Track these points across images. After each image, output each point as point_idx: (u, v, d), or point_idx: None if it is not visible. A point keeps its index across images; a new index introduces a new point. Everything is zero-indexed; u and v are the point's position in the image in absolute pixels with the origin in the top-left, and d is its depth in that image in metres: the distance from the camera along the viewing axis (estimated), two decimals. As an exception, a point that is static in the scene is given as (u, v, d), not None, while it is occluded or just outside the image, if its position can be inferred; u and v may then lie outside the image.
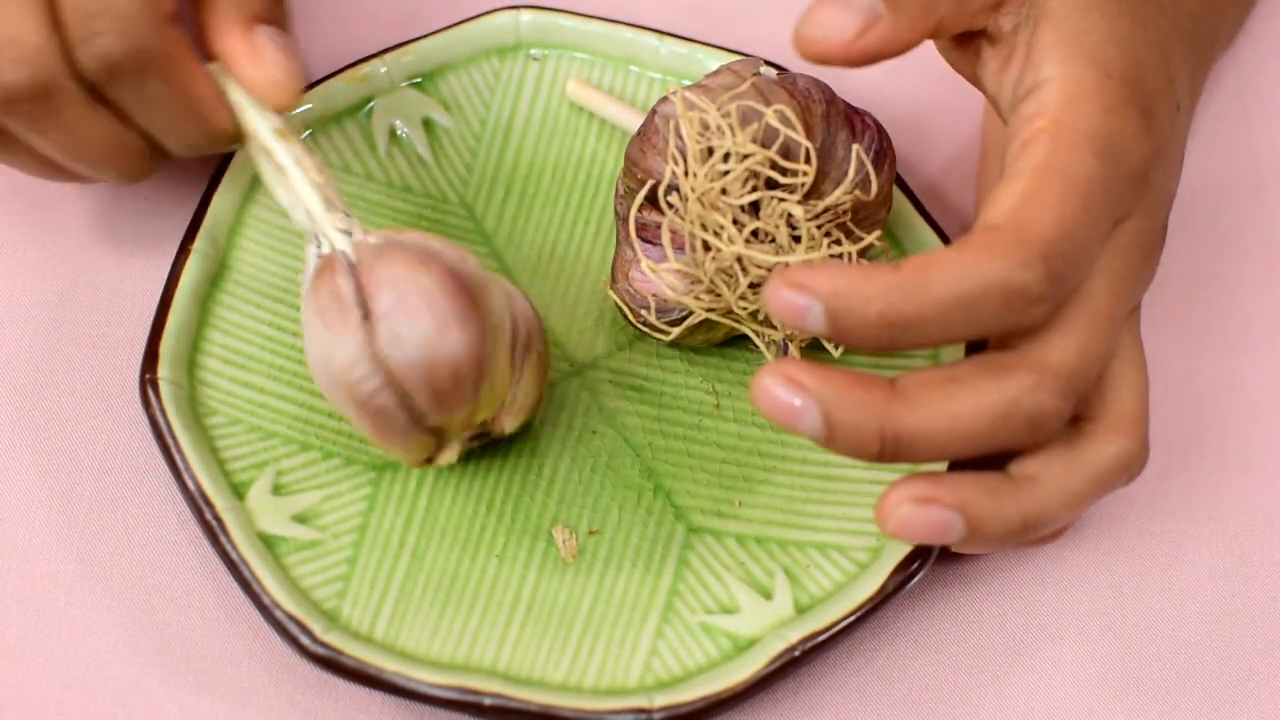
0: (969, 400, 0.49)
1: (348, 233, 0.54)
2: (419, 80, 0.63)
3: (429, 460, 0.55)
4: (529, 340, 0.55)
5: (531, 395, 0.55)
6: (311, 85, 0.62)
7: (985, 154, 0.62)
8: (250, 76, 0.56)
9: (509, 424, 0.55)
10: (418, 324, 0.52)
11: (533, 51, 0.64)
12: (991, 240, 0.48)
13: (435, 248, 0.53)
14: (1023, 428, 0.49)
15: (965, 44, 0.54)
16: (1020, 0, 0.52)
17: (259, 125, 0.56)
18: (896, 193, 0.61)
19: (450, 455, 0.56)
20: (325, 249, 0.54)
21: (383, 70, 0.62)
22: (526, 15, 0.64)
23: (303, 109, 0.61)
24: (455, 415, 0.53)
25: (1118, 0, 0.53)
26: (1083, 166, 0.49)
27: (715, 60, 0.63)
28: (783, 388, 0.48)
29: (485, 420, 0.55)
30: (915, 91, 0.67)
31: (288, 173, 0.56)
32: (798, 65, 0.66)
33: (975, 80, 0.54)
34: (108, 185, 0.61)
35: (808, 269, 0.47)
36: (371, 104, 0.63)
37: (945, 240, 0.60)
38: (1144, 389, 0.52)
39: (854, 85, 0.66)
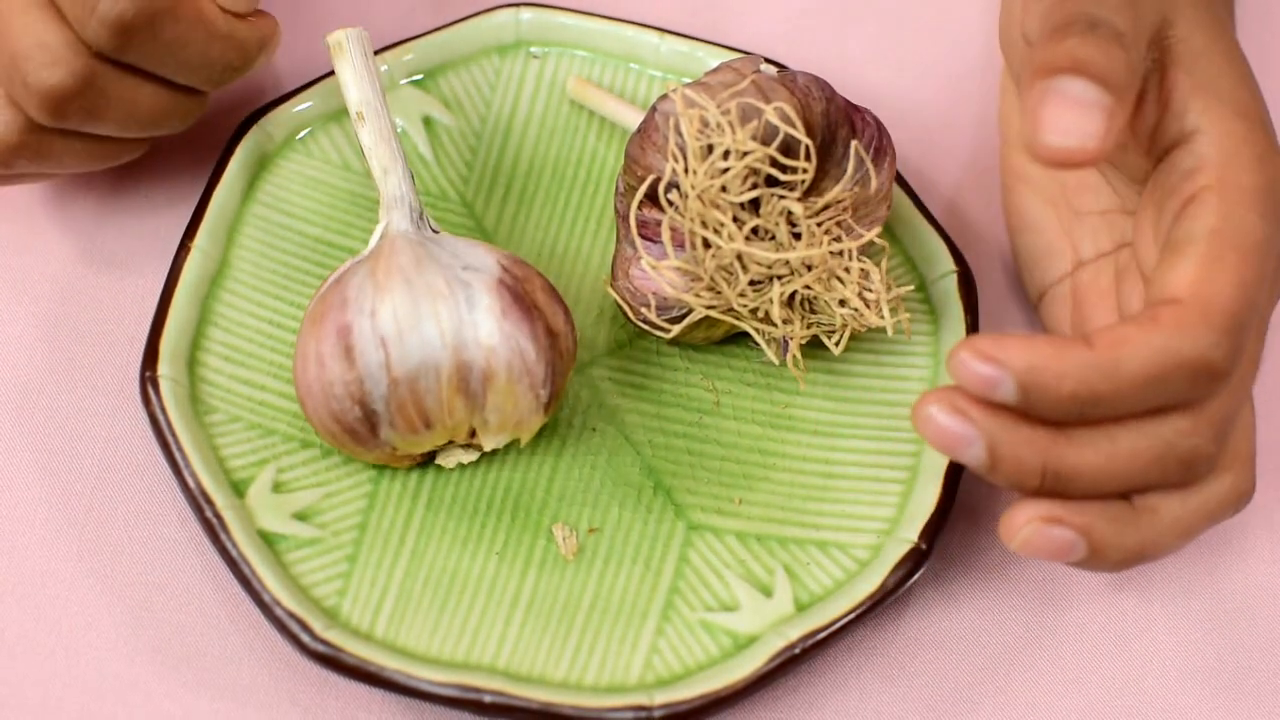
0: (1128, 441, 0.49)
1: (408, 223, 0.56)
2: (419, 78, 0.63)
3: (423, 459, 0.56)
4: (487, 373, 0.54)
5: (511, 417, 0.55)
6: (312, 84, 0.62)
7: (1007, 75, 0.62)
8: None
9: (488, 443, 0.56)
10: (405, 348, 0.53)
11: (533, 49, 0.64)
12: (1180, 317, 0.48)
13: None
14: (1175, 470, 0.50)
15: None
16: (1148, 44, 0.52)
17: (366, 93, 0.57)
18: (896, 190, 0.61)
19: (450, 460, 0.56)
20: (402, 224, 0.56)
21: (383, 68, 0.62)
22: (527, 13, 0.64)
23: (303, 107, 0.61)
24: (419, 436, 0.55)
25: (1228, 35, 0.53)
26: (1255, 229, 0.50)
27: (715, 58, 0.63)
28: (949, 416, 0.48)
29: (455, 439, 0.56)
30: (915, 90, 0.67)
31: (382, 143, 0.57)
32: (797, 63, 0.66)
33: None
34: (109, 177, 0.61)
35: (995, 340, 0.48)
36: (371, 103, 0.63)
37: (946, 240, 0.60)
38: (1253, 426, 0.53)
39: (854, 84, 0.66)
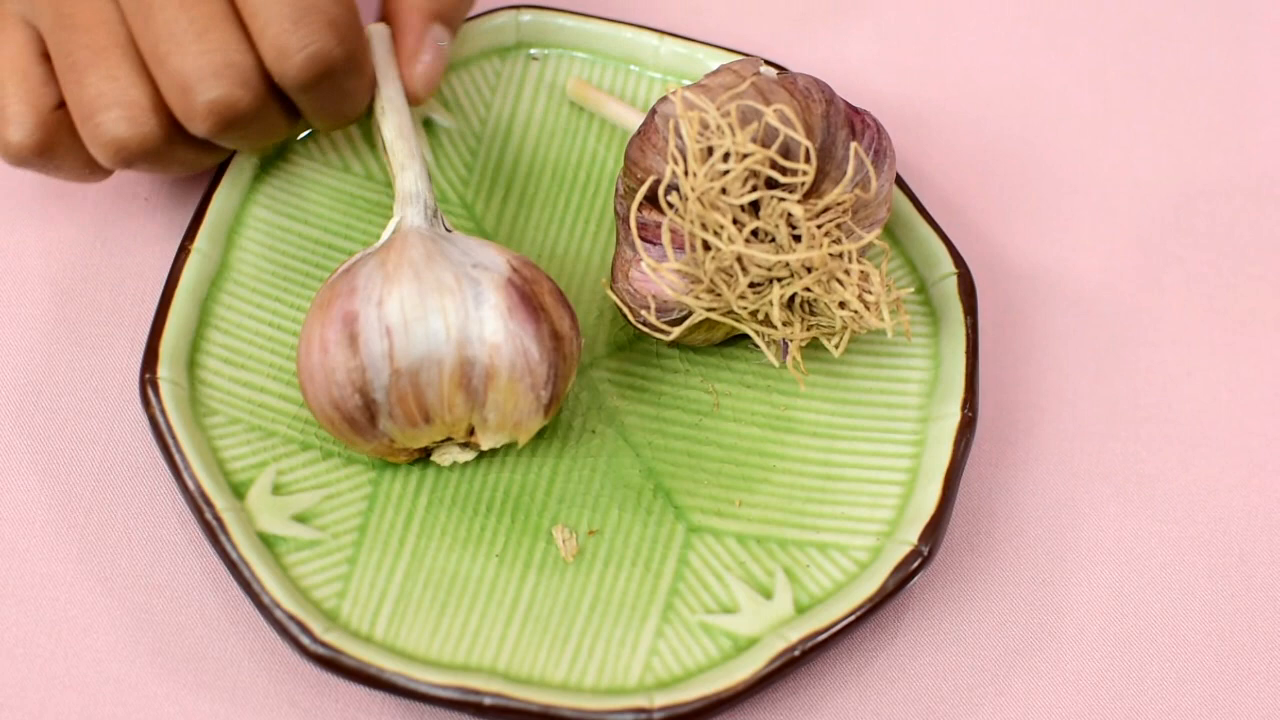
0: None
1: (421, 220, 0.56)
2: (419, 80, 0.63)
3: (421, 455, 0.56)
4: (489, 370, 0.54)
5: (510, 417, 0.55)
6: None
7: None
8: (407, 73, 0.58)
9: (485, 441, 0.56)
10: (409, 339, 0.53)
11: (533, 51, 0.64)
12: None
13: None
14: None
15: None
16: None
17: (390, 89, 0.58)
18: (897, 193, 0.61)
19: (445, 458, 0.56)
20: (415, 220, 0.56)
21: (383, 70, 0.63)
22: (526, 15, 0.64)
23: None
24: (419, 431, 0.55)
25: None
26: None
27: (715, 60, 0.63)
28: None
29: (452, 437, 0.56)
30: (915, 91, 0.67)
31: (402, 138, 0.57)
32: (797, 64, 0.66)
33: None
34: (109, 179, 0.61)
35: None
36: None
37: (945, 242, 0.60)
38: None
39: (854, 85, 0.66)
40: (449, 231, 0.56)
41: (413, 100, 0.58)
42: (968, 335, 0.59)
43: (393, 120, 0.57)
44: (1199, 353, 0.62)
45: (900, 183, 0.61)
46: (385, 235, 0.56)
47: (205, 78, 0.53)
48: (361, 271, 0.54)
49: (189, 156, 0.56)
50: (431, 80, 0.59)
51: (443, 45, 0.58)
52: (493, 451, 0.57)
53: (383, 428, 0.54)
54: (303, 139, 0.62)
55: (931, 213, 0.63)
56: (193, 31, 0.53)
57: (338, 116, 0.57)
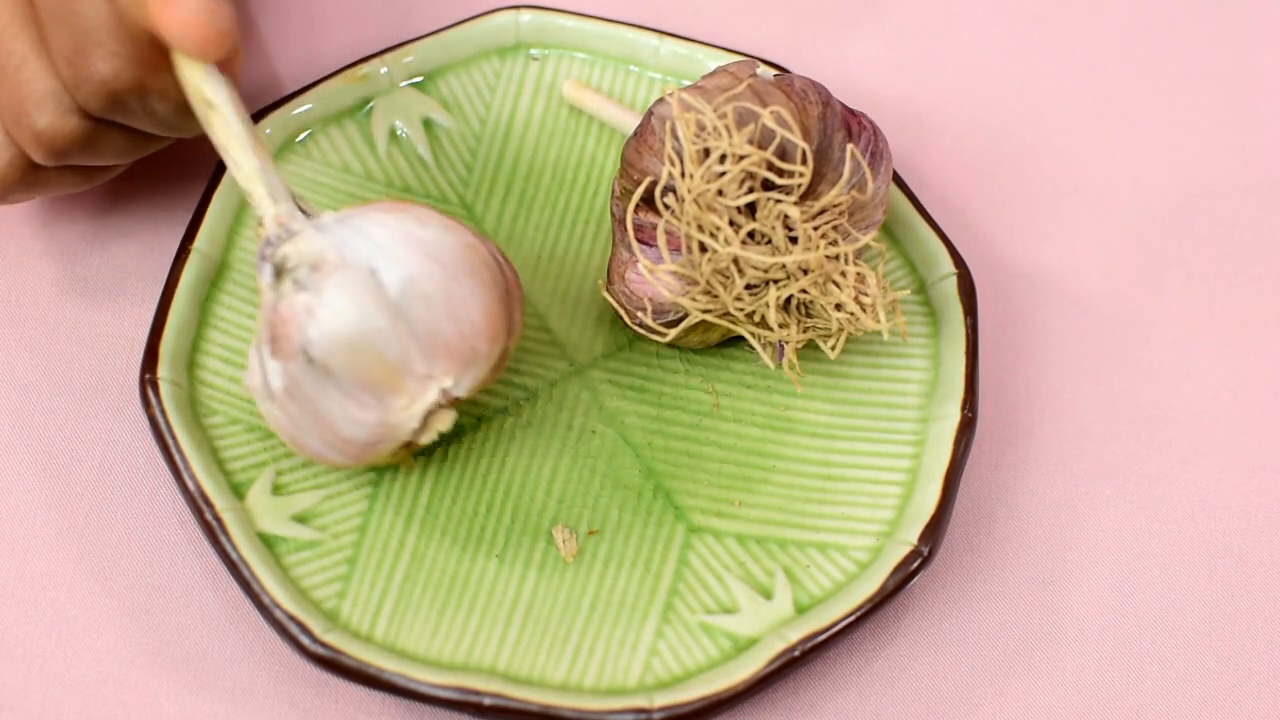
0: None
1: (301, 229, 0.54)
2: (419, 80, 0.63)
3: (409, 446, 0.55)
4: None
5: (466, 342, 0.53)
6: (311, 86, 0.62)
7: None
8: (170, 17, 0.52)
9: (458, 388, 0.54)
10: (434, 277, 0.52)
11: (533, 51, 0.64)
12: None
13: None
14: None
15: None
16: None
17: (196, 77, 0.54)
18: (897, 193, 0.61)
19: (430, 432, 0.54)
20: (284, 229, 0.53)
21: (383, 70, 0.62)
22: (526, 15, 0.64)
23: (303, 109, 0.61)
24: (506, 352, 0.53)
25: None
26: None
27: (715, 60, 0.63)
28: None
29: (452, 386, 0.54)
30: (915, 91, 0.67)
31: (243, 147, 0.54)
32: (796, 66, 0.66)
33: None
34: (110, 180, 0.62)
35: None
36: (371, 104, 0.63)
37: (945, 242, 0.60)
38: None
39: (854, 85, 0.66)
40: (309, 216, 0.54)
41: (202, 52, 0.52)
42: (967, 335, 0.59)
43: (207, 117, 0.54)
44: (1199, 353, 0.62)
45: (900, 183, 0.61)
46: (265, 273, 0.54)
47: (29, 109, 0.54)
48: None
49: (63, 179, 0.57)
50: (204, 11, 0.52)
51: None
52: (494, 451, 0.57)
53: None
54: (301, 139, 0.62)
55: (931, 213, 0.63)
56: (10, 67, 0.54)
57: (172, 127, 0.56)
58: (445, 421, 0.54)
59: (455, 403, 0.54)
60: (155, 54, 0.54)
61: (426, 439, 0.54)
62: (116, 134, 0.55)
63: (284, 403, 0.52)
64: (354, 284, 0.52)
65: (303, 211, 0.54)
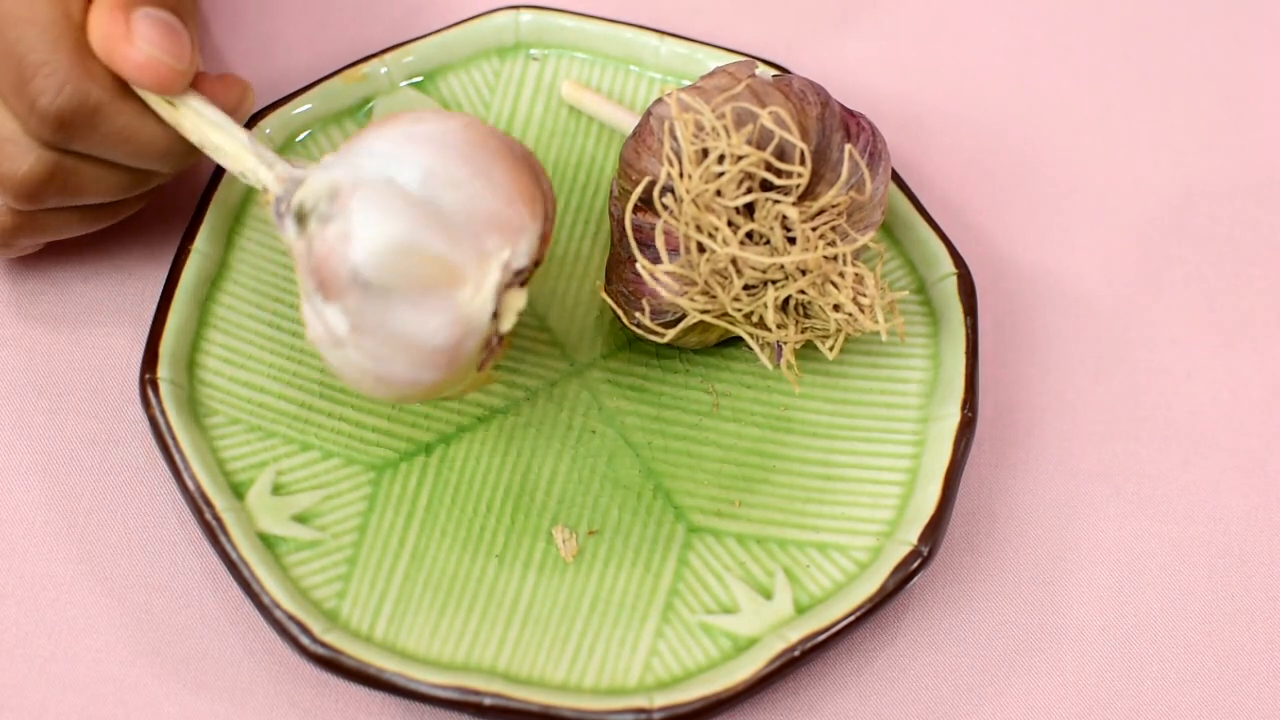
0: None
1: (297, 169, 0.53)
2: (419, 80, 0.63)
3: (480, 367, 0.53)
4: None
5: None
6: (311, 86, 0.62)
7: None
8: (123, 59, 0.53)
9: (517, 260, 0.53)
10: (468, 162, 0.51)
11: (532, 51, 0.64)
12: None
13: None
14: None
15: None
16: None
17: (177, 111, 0.55)
18: (897, 193, 0.61)
19: (510, 315, 0.53)
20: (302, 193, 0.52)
21: (383, 70, 0.63)
22: (526, 15, 0.64)
23: (303, 109, 0.61)
24: (547, 216, 0.52)
25: None
26: None
27: (715, 60, 0.63)
28: None
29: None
30: (915, 92, 0.67)
31: (221, 129, 0.54)
32: (795, 66, 0.66)
33: None
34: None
35: None
36: (371, 104, 0.63)
37: (945, 242, 0.60)
38: None
39: (854, 86, 0.66)
40: (299, 169, 0.53)
41: (164, 88, 0.54)
42: (967, 335, 0.59)
43: (174, 118, 0.55)
44: (1199, 353, 0.62)
45: (900, 183, 0.61)
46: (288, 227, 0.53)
47: None
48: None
49: (62, 221, 0.57)
50: (165, 52, 0.53)
51: (158, 20, 0.54)
52: (493, 451, 0.57)
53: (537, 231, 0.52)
54: (301, 139, 0.62)
55: (931, 213, 0.63)
56: None
57: (152, 159, 0.55)
58: (519, 299, 0.52)
59: (526, 277, 0.52)
60: (99, 67, 0.53)
61: (507, 324, 0.52)
62: (88, 166, 0.55)
63: (355, 342, 0.51)
64: (377, 195, 0.50)
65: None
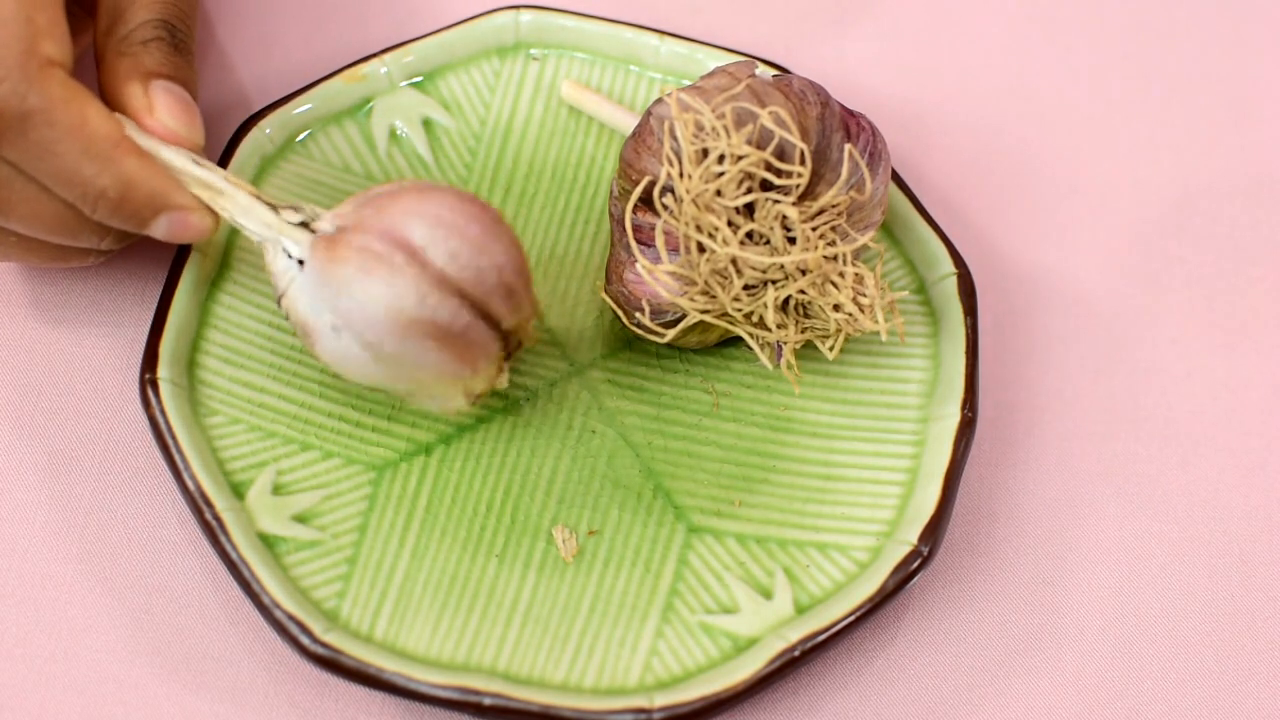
0: None
1: (308, 221, 0.54)
2: (419, 80, 0.63)
3: (478, 396, 0.55)
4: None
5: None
6: (311, 86, 0.62)
7: None
8: (146, 130, 0.55)
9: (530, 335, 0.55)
10: (468, 234, 0.52)
11: (532, 51, 0.64)
12: None
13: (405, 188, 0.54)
14: None
15: None
16: None
17: (181, 163, 0.55)
18: (897, 193, 0.61)
19: (504, 377, 0.55)
20: (295, 250, 0.53)
21: (383, 70, 0.63)
22: (526, 15, 0.64)
23: (303, 109, 0.61)
24: (524, 309, 0.54)
25: None
26: None
27: (715, 60, 0.63)
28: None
29: (521, 325, 0.55)
30: (915, 91, 0.67)
31: (224, 194, 0.55)
32: (797, 65, 0.66)
33: None
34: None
35: None
36: (371, 104, 0.63)
37: (945, 242, 0.60)
38: None
39: (854, 85, 0.66)
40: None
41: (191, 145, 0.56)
42: (967, 335, 0.59)
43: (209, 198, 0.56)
44: (1199, 353, 0.62)
45: (900, 183, 0.61)
46: (287, 279, 0.54)
47: None
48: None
49: (22, 249, 0.56)
50: (182, 124, 0.56)
51: (174, 95, 0.56)
52: (493, 451, 0.57)
53: (506, 324, 0.53)
54: (301, 139, 0.62)
55: (931, 213, 0.63)
56: None
57: (70, 186, 0.54)
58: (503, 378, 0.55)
59: (510, 354, 0.55)
60: (47, 78, 0.53)
61: (499, 382, 0.55)
62: (20, 182, 0.53)
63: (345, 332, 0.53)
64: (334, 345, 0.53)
65: (303, 223, 0.54)
